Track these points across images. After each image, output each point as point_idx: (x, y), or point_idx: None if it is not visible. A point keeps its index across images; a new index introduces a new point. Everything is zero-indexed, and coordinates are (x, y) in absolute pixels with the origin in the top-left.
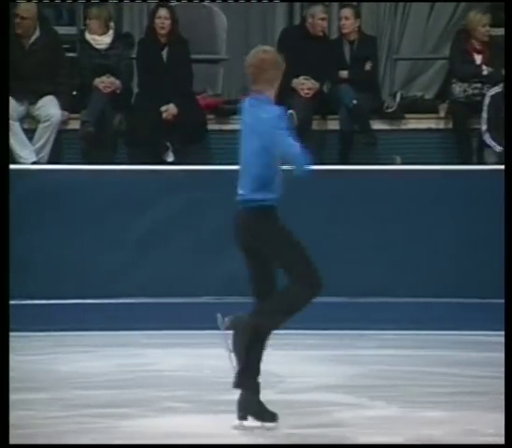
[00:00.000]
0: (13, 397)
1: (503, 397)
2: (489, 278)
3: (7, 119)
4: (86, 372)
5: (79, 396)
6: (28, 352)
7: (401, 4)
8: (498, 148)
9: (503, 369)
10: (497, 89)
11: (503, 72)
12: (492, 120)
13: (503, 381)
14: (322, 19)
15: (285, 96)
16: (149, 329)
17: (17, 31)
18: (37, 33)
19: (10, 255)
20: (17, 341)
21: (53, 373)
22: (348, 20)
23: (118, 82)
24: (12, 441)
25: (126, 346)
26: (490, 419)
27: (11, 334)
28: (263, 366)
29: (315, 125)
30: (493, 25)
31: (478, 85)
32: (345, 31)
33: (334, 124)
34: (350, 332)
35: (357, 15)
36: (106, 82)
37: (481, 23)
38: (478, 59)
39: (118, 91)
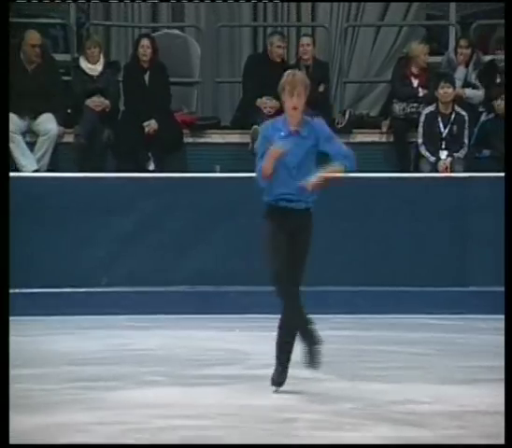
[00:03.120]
0: (14, 372)
1: (436, 370)
2: (425, 270)
3: (7, 123)
4: (77, 351)
5: (71, 371)
6: (25, 334)
7: (349, 34)
8: (432, 159)
9: (438, 347)
10: (431, 108)
11: (435, 93)
12: (427, 135)
13: (435, 358)
14: (279, 46)
15: (251, 113)
16: (130, 313)
17: (28, 57)
18: (39, 59)
19: (12, 250)
20: (17, 324)
21: (48, 352)
22: (309, 46)
23: (107, 102)
24: (12, 410)
25: (111, 329)
26: (425, 389)
27: (12, 319)
28: (232, 345)
29: None
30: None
31: (415, 104)
32: (305, 56)
33: None
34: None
35: (313, 43)
36: (96, 102)
37: (423, 52)
38: (415, 82)
39: (107, 110)
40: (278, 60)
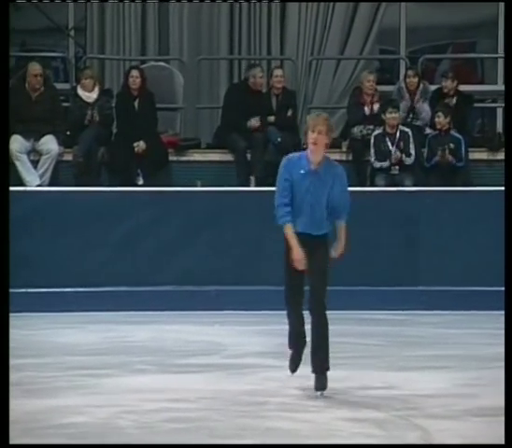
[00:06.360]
0: (20, 361)
1: (387, 359)
2: (380, 271)
3: (8, 127)
4: (75, 343)
5: (71, 360)
6: (31, 328)
7: (313, 66)
8: (385, 164)
9: (389, 339)
10: (378, 130)
11: (383, 117)
12: (378, 153)
13: (386, 348)
14: (260, 77)
15: (228, 135)
16: (123, 310)
17: (32, 86)
18: (42, 88)
19: (20, 254)
20: (22, 320)
21: (50, 344)
22: (282, 77)
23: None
24: (16, 394)
25: (107, 323)
26: (378, 376)
27: (17, 315)
28: (212, 338)
29: (249, 158)
30: (378, 83)
31: (371, 127)
32: (278, 85)
33: (267, 156)
34: (277, 313)
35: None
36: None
37: (367, 79)
38: (368, 108)
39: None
40: (260, 89)
